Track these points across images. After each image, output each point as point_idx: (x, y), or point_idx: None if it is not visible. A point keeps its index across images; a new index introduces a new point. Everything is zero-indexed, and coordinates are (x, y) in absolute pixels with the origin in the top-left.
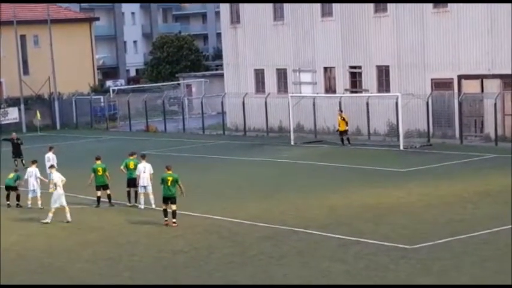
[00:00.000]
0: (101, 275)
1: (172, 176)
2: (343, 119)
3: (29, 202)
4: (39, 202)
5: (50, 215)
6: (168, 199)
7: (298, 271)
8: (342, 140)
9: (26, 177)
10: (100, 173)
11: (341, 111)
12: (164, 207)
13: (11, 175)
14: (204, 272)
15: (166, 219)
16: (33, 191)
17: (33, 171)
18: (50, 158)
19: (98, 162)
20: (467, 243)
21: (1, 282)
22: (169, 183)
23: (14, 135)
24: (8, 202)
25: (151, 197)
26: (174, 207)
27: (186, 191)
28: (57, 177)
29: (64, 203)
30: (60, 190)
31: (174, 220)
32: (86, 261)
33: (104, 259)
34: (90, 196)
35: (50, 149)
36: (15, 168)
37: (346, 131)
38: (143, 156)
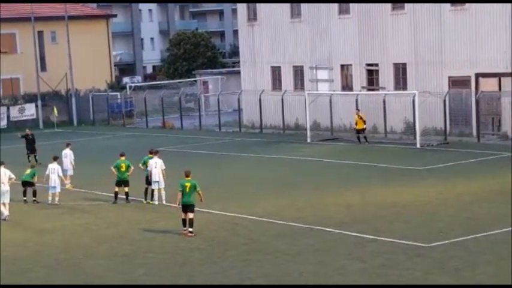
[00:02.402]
0: (116, 272)
1: (191, 182)
2: (361, 118)
3: (50, 198)
4: (57, 198)
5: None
6: (186, 207)
7: (314, 269)
8: (359, 138)
9: (47, 173)
10: (123, 169)
11: (358, 110)
12: (183, 216)
13: (28, 171)
14: (219, 269)
15: (184, 229)
16: (54, 187)
17: (55, 167)
18: (67, 154)
19: (122, 158)
20: (483, 242)
21: (15, 279)
22: (187, 190)
23: (28, 131)
24: (25, 198)
25: (163, 192)
26: (191, 215)
27: (202, 187)
28: (2, 175)
29: (6, 200)
30: (5, 187)
31: (190, 229)
32: (101, 258)
33: (120, 255)
34: (106, 192)
35: (67, 145)
36: (32, 164)
37: (363, 130)
38: (156, 152)
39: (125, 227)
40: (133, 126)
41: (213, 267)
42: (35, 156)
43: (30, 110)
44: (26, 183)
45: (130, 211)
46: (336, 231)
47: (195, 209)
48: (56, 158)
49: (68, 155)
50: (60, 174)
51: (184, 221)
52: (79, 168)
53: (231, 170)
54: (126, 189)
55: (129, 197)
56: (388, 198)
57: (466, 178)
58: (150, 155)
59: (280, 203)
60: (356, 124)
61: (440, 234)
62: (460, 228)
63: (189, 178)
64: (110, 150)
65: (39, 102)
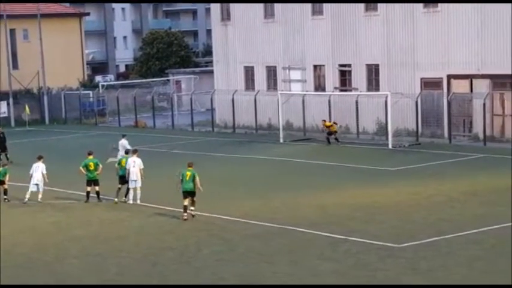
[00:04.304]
0: (88, 271)
1: (191, 171)
2: (328, 127)
3: (27, 196)
4: (40, 196)
5: None
6: (187, 193)
7: (287, 269)
8: (328, 140)
9: (31, 171)
10: (91, 168)
11: (324, 121)
12: (185, 203)
13: None
14: (192, 268)
15: (185, 214)
16: (37, 185)
17: (39, 166)
18: (125, 144)
19: (90, 157)
20: (455, 242)
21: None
22: (187, 178)
23: None
24: None
25: (139, 192)
26: (193, 198)
27: (177, 187)
28: None
29: None
30: None
31: (192, 208)
32: (73, 257)
33: (92, 255)
34: (78, 191)
35: (123, 136)
36: (3, 162)
37: (335, 132)
38: (134, 151)
39: (97, 226)
40: (106, 125)
41: (186, 267)
42: (6, 154)
43: (1, 108)
44: None
45: (102, 210)
46: (309, 231)
47: (169, 208)
48: (41, 157)
49: (125, 144)
50: (44, 172)
51: (185, 207)
52: (50, 167)
53: (203, 170)
54: (97, 188)
55: (101, 196)
56: (360, 199)
57: (438, 179)
58: (126, 155)
59: (253, 203)
60: (329, 128)
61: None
62: (431, 229)
63: (191, 168)
64: (82, 148)
65: (11, 100)
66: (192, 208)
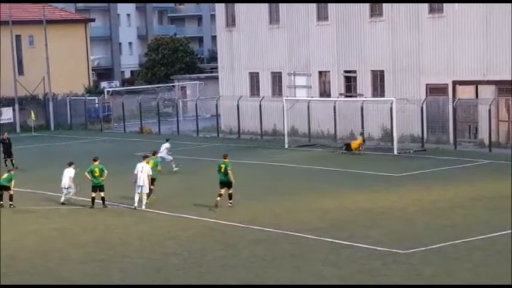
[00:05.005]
0: (92, 276)
1: (225, 164)
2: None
3: (62, 198)
4: (62, 198)
5: None
6: (224, 184)
7: (290, 275)
8: (340, 148)
9: (62, 177)
10: (97, 173)
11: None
12: (221, 191)
13: (5, 175)
14: (196, 274)
15: (218, 199)
16: (66, 189)
17: (69, 171)
18: (168, 147)
19: (96, 163)
20: (460, 248)
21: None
22: (222, 170)
23: (5, 135)
24: (1, 202)
25: (144, 197)
26: (230, 190)
27: (178, 193)
28: None
29: None
30: None
31: (230, 201)
32: (77, 262)
33: (96, 260)
34: (83, 197)
35: (167, 140)
36: (8, 168)
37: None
38: (145, 157)
39: (101, 232)
40: (111, 131)
41: (190, 272)
42: (12, 160)
43: (7, 114)
44: (3, 188)
45: (107, 216)
46: (312, 237)
47: (173, 214)
48: (71, 164)
49: (166, 147)
50: (72, 175)
51: (220, 194)
52: (57, 172)
53: (208, 176)
54: (102, 194)
55: (106, 202)
56: (365, 205)
57: (443, 185)
58: (143, 160)
59: (257, 208)
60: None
61: None
62: (436, 235)
63: (226, 160)
64: (88, 154)
65: (17, 106)
66: (230, 201)
